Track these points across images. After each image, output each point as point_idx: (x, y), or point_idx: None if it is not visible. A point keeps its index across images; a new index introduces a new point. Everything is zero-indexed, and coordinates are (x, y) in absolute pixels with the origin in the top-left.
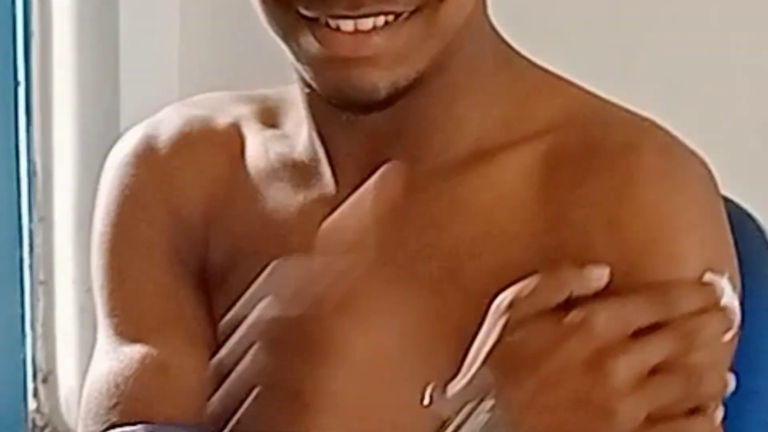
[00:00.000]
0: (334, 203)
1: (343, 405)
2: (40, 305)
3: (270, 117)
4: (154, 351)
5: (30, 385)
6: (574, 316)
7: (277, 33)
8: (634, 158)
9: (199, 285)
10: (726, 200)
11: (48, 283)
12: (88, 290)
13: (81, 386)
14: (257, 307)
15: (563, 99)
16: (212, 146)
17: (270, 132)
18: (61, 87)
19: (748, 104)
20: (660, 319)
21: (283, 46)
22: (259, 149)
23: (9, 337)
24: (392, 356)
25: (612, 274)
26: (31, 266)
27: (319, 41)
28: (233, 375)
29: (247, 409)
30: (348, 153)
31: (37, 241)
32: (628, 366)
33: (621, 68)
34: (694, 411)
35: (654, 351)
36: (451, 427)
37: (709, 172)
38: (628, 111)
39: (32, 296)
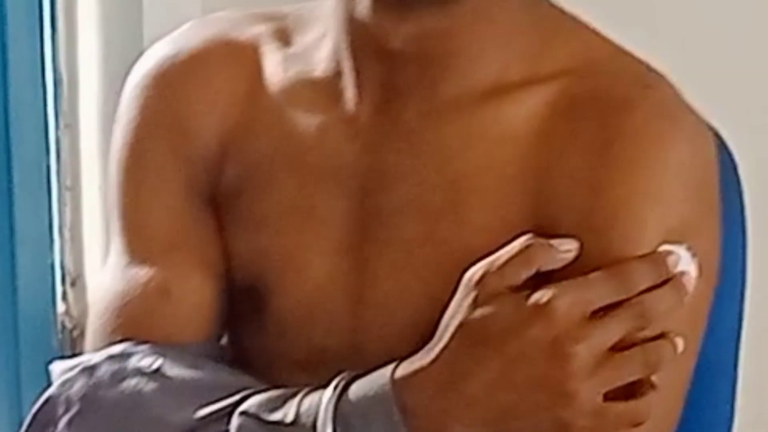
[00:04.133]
0: (353, 122)
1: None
2: (68, 210)
3: (287, 35)
4: (158, 274)
5: (59, 289)
6: (539, 298)
7: None
8: (626, 116)
9: (209, 207)
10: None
11: (74, 189)
12: None
13: None
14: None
15: (580, 43)
16: (230, 67)
17: (288, 50)
18: None
19: None
20: (618, 298)
21: None
22: (277, 68)
23: (38, 242)
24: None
25: (581, 239)
26: (58, 173)
27: None
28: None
29: None
30: (373, 72)
31: (64, 148)
32: (588, 350)
33: None
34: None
35: (612, 331)
36: None
37: (705, 141)
38: (640, 62)
39: (59, 202)
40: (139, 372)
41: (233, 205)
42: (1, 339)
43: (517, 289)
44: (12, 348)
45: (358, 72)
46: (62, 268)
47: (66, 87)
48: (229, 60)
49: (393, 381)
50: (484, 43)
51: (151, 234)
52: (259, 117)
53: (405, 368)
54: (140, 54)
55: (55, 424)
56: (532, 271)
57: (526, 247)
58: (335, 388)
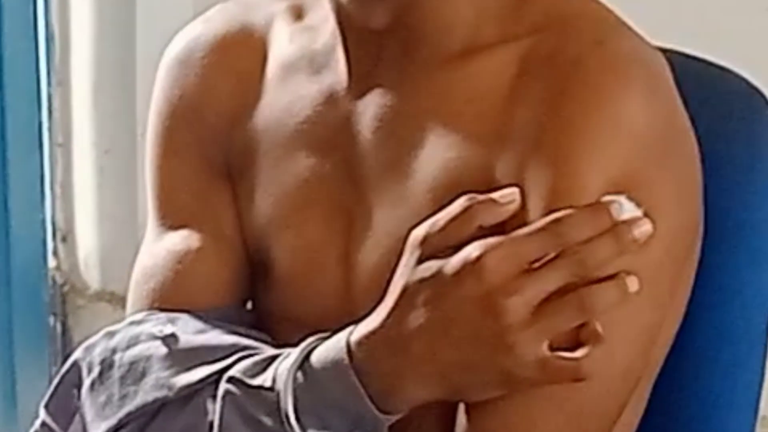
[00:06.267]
0: (341, 94)
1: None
2: (59, 167)
3: (301, 11)
4: (175, 247)
5: (50, 245)
6: (467, 255)
7: None
8: (573, 73)
9: (226, 181)
10: (737, 76)
11: (66, 146)
12: (107, 152)
13: (99, 245)
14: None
15: (551, 1)
16: (243, 48)
17: (297, 25)
18: None
19: None
20: (551, 251)
21: None
22: (284, 42)
23: (29, 198)
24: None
25: (528, 195)
26: (49, 129)
27: None
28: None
29: None
30: (359, 48)
31: (56, 104)
32: (520, 303)
33: None
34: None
35: (547, 282)
36: None
37: (658, 95)
38: (604, 16)
39: (51, 158)
40: (151, 337)
41: (241, 176)
42: None
43: (460, 247)
44: (5, 302)
45: (347, 48)
46: (53, 224)
47: (58, 44)
48: (243, 41)
49: (348, 344)
50: (454, 9)
51: (172, 211)
52: (263, 90)
53: (359, 331)
54: (132, 11)
55: (80, 386)
56: (473, 229)
57: (467, 206)
58: (300, 352)
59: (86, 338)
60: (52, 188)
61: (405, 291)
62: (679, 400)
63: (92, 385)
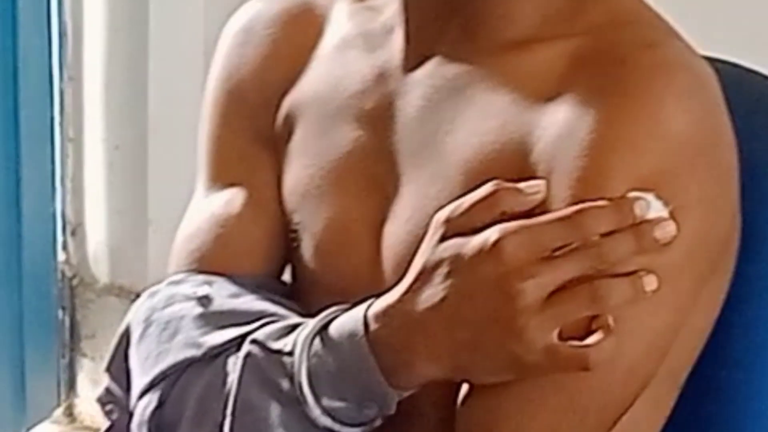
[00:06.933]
0: (394, 72)
1: None
2: (70, 162)
3: None
4: (218, 211)
5: (60, 238)
6: (487, 237)
7: None
8: (616, 73)
9: (271, 149)
10: (755, 73)
11: (77, 141)
12: (117, 147)
13: (108, 239)
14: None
15: (610, 2)
16: (306, 22)
17: (358, 5)
18: None
19: None
20: (571, 240)
21: None
22: (342, 20)
23: (40, 192)
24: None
25: (552, 184)
26: (61, 124)
27: None
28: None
29: None
30: (421, 29)
31: (68, 100)
32: (535, 287)
33: None
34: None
35: (563, 271)
36: None
37: (698, 102)
38: (657, 22)
39: (62, 153)
40: (187, 297)
41: (286, 140)
42: (6, 286)
43: (483, 230)
44: (15, 295)
45: (407, 29)
46: (63, 218)
47: (71, 40)
48: (304, 16)
49: (365, 317)
50: (517, 2)
51: (219, 175)
52: (315, 64)
53: (377, 305)
54: (145, 8)
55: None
56: (496, 214)
57: (493, 191)
58: (319, 322)
59: (94, 332)
60: (62, 183)
61: (424, 268)
62: (715, 412)
63: (137, 342)
